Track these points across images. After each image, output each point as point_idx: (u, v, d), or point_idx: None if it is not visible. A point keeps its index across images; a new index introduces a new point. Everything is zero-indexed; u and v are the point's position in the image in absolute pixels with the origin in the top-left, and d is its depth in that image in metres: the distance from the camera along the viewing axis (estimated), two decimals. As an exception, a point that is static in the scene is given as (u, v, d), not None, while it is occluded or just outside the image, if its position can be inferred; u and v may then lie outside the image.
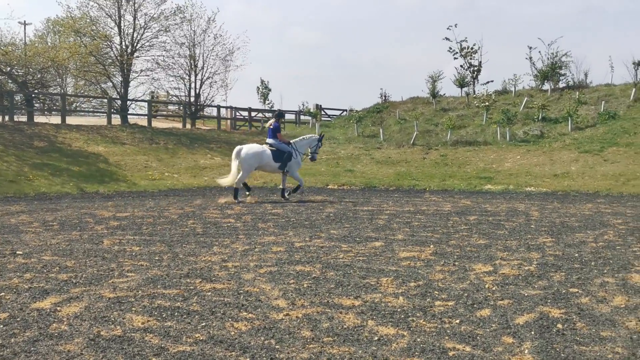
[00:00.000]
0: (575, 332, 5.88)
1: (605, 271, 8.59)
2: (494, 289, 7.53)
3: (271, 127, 18.20)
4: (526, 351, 5.35)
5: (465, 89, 41.30)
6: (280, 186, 19.11)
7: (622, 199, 19.57)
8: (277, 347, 5.43)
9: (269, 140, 17.99)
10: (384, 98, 45.11)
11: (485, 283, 7.80)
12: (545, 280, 8.01)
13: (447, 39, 41.09)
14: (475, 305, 6.77)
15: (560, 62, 38.84)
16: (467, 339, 5.66)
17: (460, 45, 40.80)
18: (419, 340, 5.62)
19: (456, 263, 9.07)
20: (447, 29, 41.30)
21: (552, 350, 5.38)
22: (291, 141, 18.55)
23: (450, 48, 41.16)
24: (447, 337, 5.71)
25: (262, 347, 5.40)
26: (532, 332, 5.85)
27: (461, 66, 41.43)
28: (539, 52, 55.07)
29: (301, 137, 19.12)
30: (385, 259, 9.32)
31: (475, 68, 41.16)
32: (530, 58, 40.29)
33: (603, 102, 33.88)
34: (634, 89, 34.47)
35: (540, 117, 33.23)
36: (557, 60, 38.81)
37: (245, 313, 6.43)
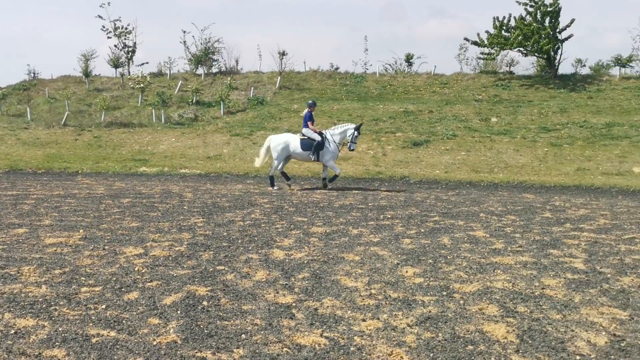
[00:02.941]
0: (219, 308, 6.12)
1: (250, 248, 9.08)
2: (143, 271, 7.51)
3: (303, 116, 18.46)
4: (171, 330, 5.43)
5: (119, 69, 40.57)
6: (322, 175, 18.75)
7: (268, 180, 20.83)
8: None
9: (303, 130, 18.16)
10: (32, 75, 42.32)
11: (135, 266, 7.75)
12: (195, 259, 8.21)
13: (100, 17, 39.95)
14: (123, 289, 6.69)
15: (213, 48, 40.11)
16: (113, 324, 5.56)
17: (114, 24, 39.95)
18: (60, 329, 5.38)
19: (106, 247, 8.87)
20: (100, 6, 40.05)
21: (197, 327, 5.54)
22: (325, 130, 18.41)
23: (104, 27, 40.13)
24: (91, 324, 5.55)
25: None
26: (179, 312, 5.96)
27: (115, 46, 40.62)
28: (193, 36, 56.24)
29: (336, 127, 18.62)
30: (29, 247, 8.76)
31: (130, 49, 40.65)
32: (185, 42, 41.01)
33: (252, 88, 35.77)
34: (279, 77, 36.95)
35: (194, 100, 33.95)
36: (210, 46, 39.98)
37: None
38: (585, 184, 20.21)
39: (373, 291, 6.86)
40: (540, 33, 33.82)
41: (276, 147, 17.93)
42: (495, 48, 36.05)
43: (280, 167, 18.42)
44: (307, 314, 6.01)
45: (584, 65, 37.34)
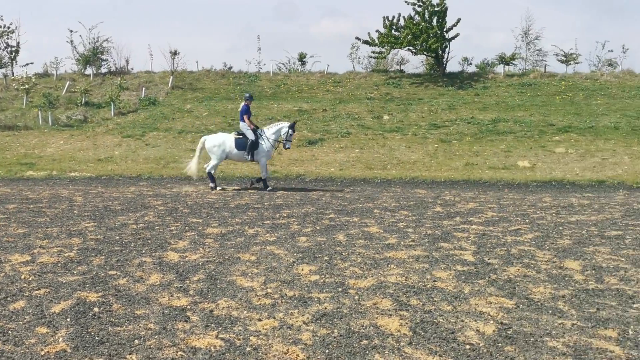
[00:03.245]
0: (111, 314, 5.96)
1: (143, 251, 8.88)
2: (30, 279, 7.22)
3: (240, 110, 17.86)
4: (60, 339, 5.24)
5: (2, 70, 38.85)
6: (261, 176, 18.08)
7: (162, 181, 20.51)
8: None
9: (240, 125, 17.66)
10: None
11: (21, 274, 7.43)
12: (85, 265, 7.96)
13: (-20, 16, 38.12)
14: (8, 299, 6.41)
15: (102, 48, 39.05)
16: (-2, 335, 5.33)
17: (-5, 23, 38.23)
18: (-61, 344, 5.10)
19: (-10, 256, 8.47)
20: (-19, 5, 38.23)
21: (87, 334, 5.37)
22: (260, 129, 17.93)
23: (-16, 26, 38.34)
24: (-26, 337, 5.29)
25: None
26: (68, 319, 5.76)
27: (-3, 46, 38.86)
28: (80, 36, 54.66)
29: (270, 125, 18.18)
30: None
31: (14, 49, 39.00)
32: (72, 42, 39.67)
33: (144, 88, 35.03)
34: (171, 77, 36.38)
35: (83, 101, 32.90)
36: (98, 46, 38.90)
37: None
38: (473, 178, 20.93)
39: (269, 290, 6.86)
40: (428, 32, 34.77)
41: (212, 148, 17.57)
42: (386, 47, 36.79)
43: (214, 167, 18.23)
44: (202, 316, 5.95)
45: (471, 64, 38.74)
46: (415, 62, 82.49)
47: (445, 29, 35.53)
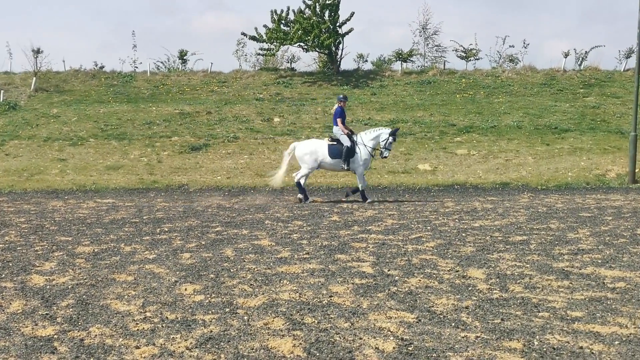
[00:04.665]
0: (-36, 350, 5.69)
1: (3, 276, 8.54)
2: None
3: (333, 112, 17.74)
4: None
5: None
6: (359, 187, 17.50)
7: (26, 196, 19.80)
8: None
9: (334, 129, 17.45)
10: None
11: None
12: None
13: None
14: None
15: (-48, 45, 37.48)
16: None
17: None
18: None
19: None
20: None
21: None
22: (357, 134, 17.44)
23: None
24: None
25: None
26: None
27: None
28: None
29: (369, 130, 17.57)
30: None
31: None
32: None
33: (3, 91, 33.76)
34: (34, 78, 35.22)
35: None
36: (-53, 42, 37.30)
37: None
38: (372, 183, 21.30)
39: (148, 314, 6.72)
40: (320, 27, 35.12)
41: (303, 157, 17.06)
42: (275, 43, 36.93)
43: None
44: (71, 346, 5.75)
45: (366, 61, 39.46)
46: (307, 60, 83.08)
47: (338, 24, 36.01)
